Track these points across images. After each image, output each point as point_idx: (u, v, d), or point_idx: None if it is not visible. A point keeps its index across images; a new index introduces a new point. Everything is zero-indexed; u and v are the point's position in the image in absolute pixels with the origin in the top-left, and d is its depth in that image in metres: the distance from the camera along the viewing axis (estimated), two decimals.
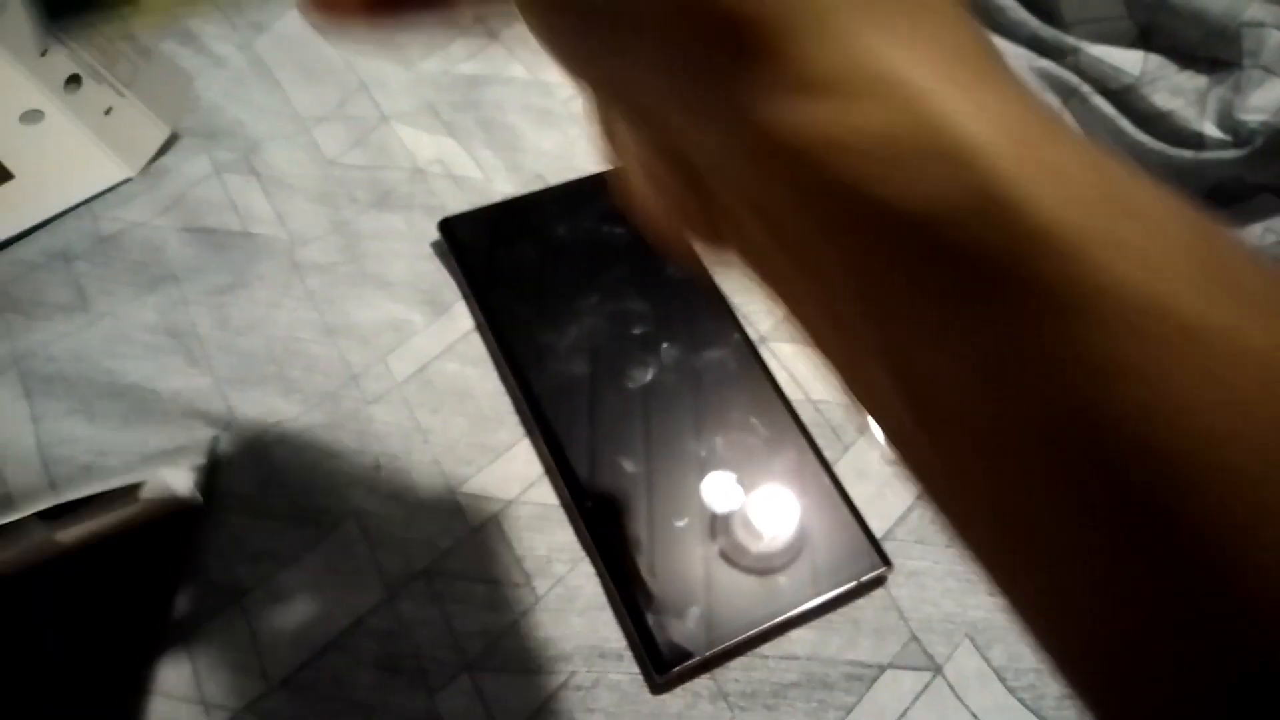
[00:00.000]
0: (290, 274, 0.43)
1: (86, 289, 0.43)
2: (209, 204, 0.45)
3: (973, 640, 0.36)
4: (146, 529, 0.34)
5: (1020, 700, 0.34)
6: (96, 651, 0.34)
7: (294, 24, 0.52)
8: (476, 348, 0.41)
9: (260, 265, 0.43)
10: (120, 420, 0.39)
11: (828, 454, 0.39)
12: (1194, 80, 0.49)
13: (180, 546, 0.36)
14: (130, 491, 0.29)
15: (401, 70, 0.51)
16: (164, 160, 0.47)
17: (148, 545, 0.36)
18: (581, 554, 0.37)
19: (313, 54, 0.51)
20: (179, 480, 0.31)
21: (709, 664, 0.35)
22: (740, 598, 0.35)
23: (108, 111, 0.48)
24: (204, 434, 0.39)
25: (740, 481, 0.38)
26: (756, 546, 0.36)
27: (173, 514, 0.30)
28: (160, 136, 0.47)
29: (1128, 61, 0.49)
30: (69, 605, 0.35)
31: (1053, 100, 0.50)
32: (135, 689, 0.34)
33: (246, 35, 0.52)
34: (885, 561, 0.36)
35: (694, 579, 0.35)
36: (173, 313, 0.42)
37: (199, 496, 0.30)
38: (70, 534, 0.25)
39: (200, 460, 0.34)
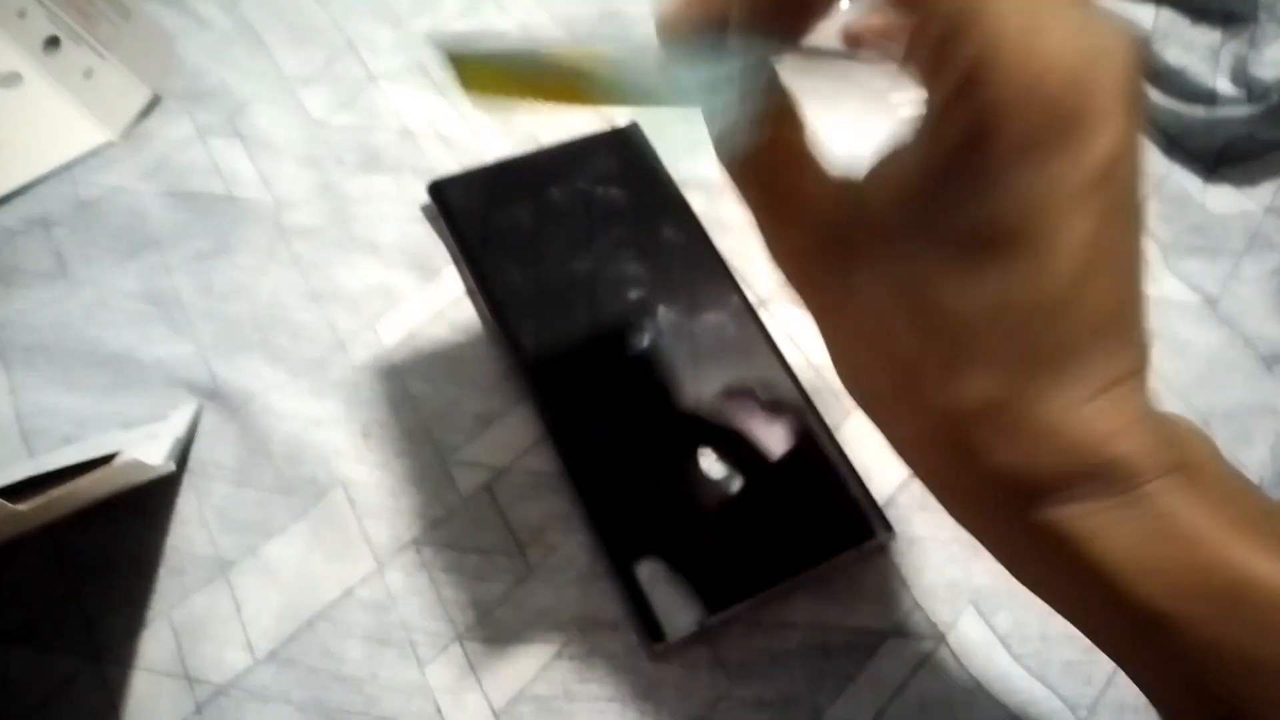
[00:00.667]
0: (276, 238, 0.42)
1: (66, 256, 0.41)
2: (192, 167, 0.44)
3: (977, 607, 0.35)
4: (120, 500, 0.33)
5: (1026, 668, 0.34)
6: (77, 625, 0.34)
7: None
8: (467, 313, 0.40)
9: (245, 230, 0.42)
10: (101, 390, 0.38)
11: (829, 419, 0.38)
12: (1207, 35, 0.47)
13: (161, 517, 0.35)
14: (102, 464, 0.28)
15: (390, 29, 0.50)
16: (146, 123, 0.45)
17: (127, 516, 0.35)
18: (575, 522, 0.36)
19: (299, 13, 0.50)
20: (152, 450, 0.30)
21: (706, 633, 0.34)
22: (739, 564, 0.34)
23: (88, 74, 0.46)
24: (187, 403, 0.38)
25: (739, 447, 0.37)
26: (755, 513, 0.35)
27: (146, 484, 0.29)
28: (142, 99, 0.45)
29: (1139, 17, 0.48)
30: (46, 578, 0.34)
31: None
32: (118, 663, 0.33)
33: None
34: (888, 528, 0.35)
35: (691, 547, 0.34)
36: (155, 279, 0.41)
37: (172, 465, 0.29)
38: (36, 508, 0.24)
39: (180, 432, 0.33)
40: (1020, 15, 0.16)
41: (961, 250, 0.18)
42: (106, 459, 0.30)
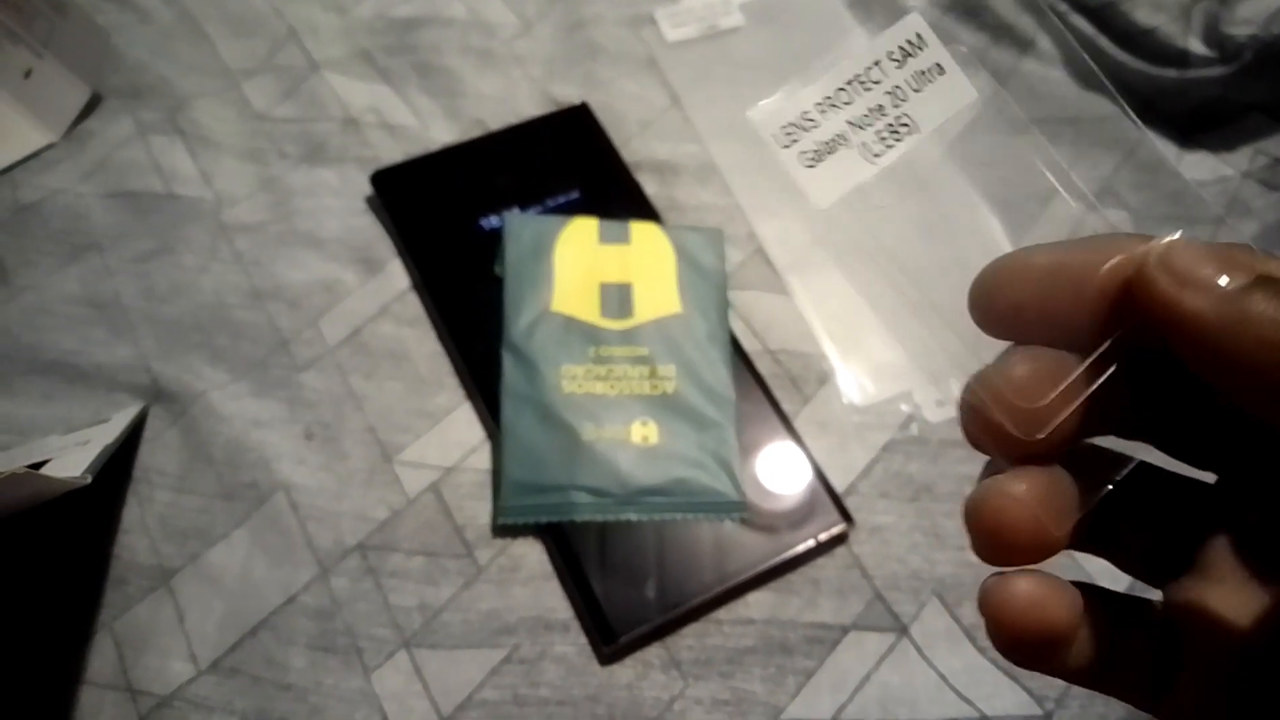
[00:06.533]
0: (217, 236, 0.41)
1: (6, 261, 0.40)
2: (133, 167, 0.43)
3: (941, 598, 0.34)
4: (62, 510, 0.32)
5: (991, 660, 0.32)
6: (15, 640, 0.33)
7: None
8: (413, 307, 0.39)
9: (186, 229, 0.41)
10: (41, 398, 0.37)
11: (786, 406, 0.37)
12: None
13: (104, 527, 0.35)
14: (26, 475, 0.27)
15: (334, 16, 0.48)
16: (88, 123, 0.44)
17: (69, 527, 0.34)
18: None
19: (241, 2, 0.48)
20: (77, 458, 0.30)
21: (660, 631, 0.33)
22: (693, 560, 0.33)
23: (27, 74, 0.45)
24: (129, 408, 0.37)
25: None
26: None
27: (88, 493, 0.29)
28: (82, 98, 0.44)
29: None
30: None
31: (1027, 21, 0.47)
32: (60, 677, 0.32)
33: None
34: (847, 518, 0.34)
35: (645, 542, 0.33)
36: (96, 283, 0.40)
37: (88, 478, 0.28)
38: None
39: (110, 439, 0.32)
40: None
41: None
42: (32, 468, 0.29)
